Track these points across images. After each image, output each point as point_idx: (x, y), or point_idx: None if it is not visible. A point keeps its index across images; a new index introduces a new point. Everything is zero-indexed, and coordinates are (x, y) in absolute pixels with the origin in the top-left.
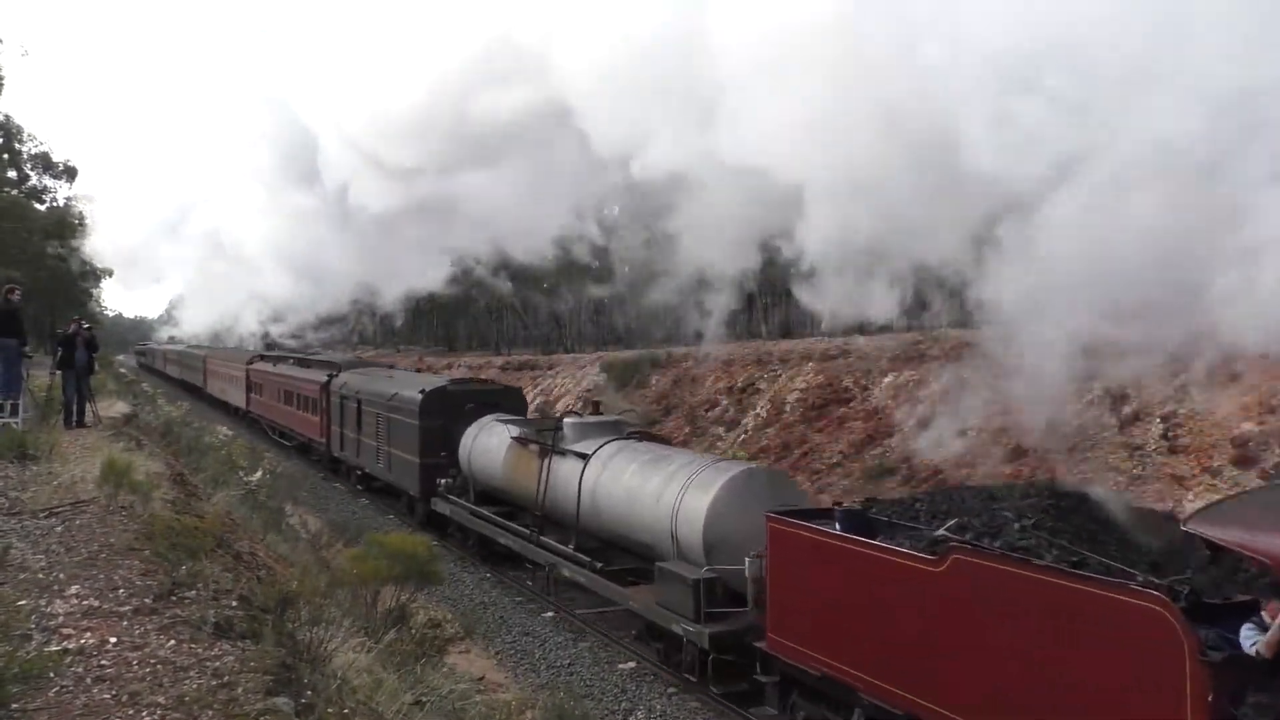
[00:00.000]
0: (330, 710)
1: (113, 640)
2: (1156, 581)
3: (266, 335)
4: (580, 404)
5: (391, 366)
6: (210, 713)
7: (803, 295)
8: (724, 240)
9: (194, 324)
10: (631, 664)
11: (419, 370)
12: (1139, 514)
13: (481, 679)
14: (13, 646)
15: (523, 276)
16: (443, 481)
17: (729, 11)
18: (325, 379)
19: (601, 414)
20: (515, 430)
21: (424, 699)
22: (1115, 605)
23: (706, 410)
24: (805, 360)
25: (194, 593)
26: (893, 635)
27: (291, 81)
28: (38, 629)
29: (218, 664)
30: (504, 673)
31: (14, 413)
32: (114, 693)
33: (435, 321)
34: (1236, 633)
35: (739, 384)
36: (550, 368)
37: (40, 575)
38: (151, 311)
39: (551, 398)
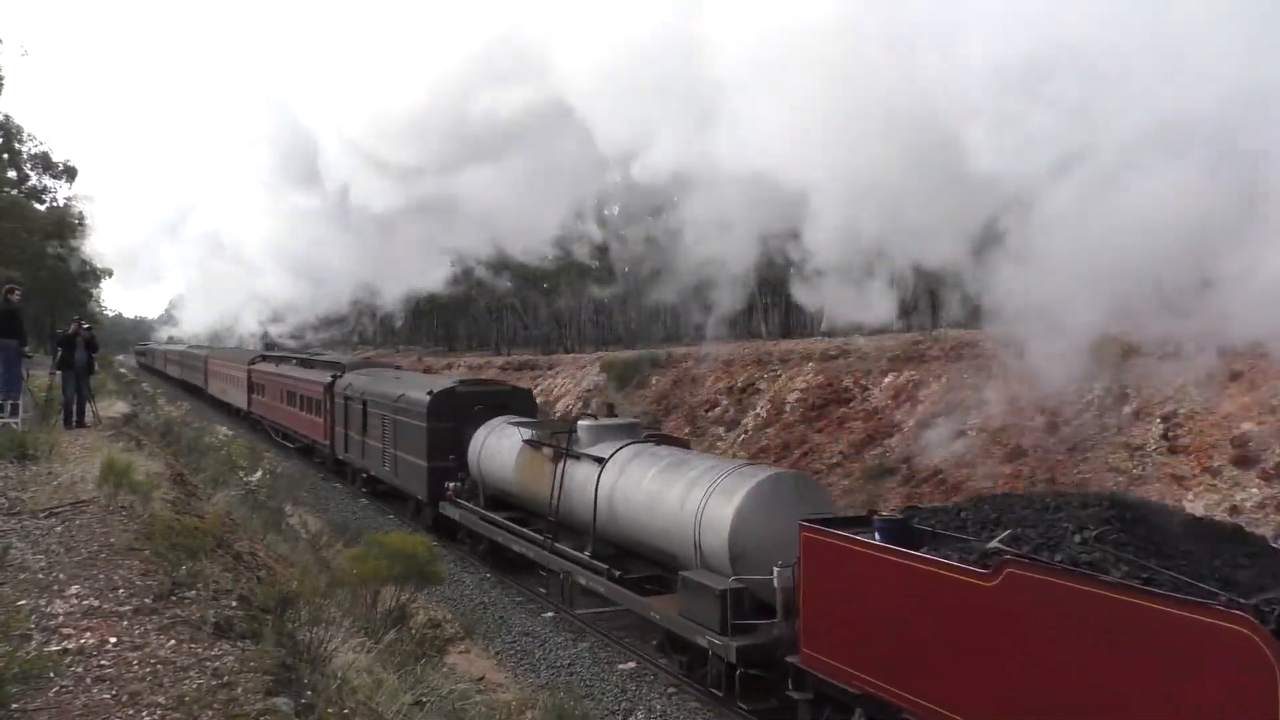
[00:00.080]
0: (330, 710)
1: (113, 640)
2: (1242, 601)
3: (266, 335)
4: (580, 404)
5: (397, 367)
6: (210, 713)
7: (802, 295)
8: (725, 240)
9: (194, 324)
10: (631, 664)
11: (425, 370)
12: (1205, 526)
13: (481, 679)
14: (13, 646)
15: (522, 275)
16: (451, 485)
17: (729, 13)
18: (329, 380)
19: (616, 416)
20: (527, 433)
21: (424, 699)
22: (1196, 626)
23: (706, 410)
24: (805, 360)
25: (194, 593)
26: (940, 653)
27: (291, 82)
28: (38, 629)
29: (218, 664)
30: (504, 673)
31: (14, 413)
32: (114, 693)
33: (435, 321)
34: None
35: (739, 384)
36: (550, 368)
37: (40, 575)
38: (151, 311)
39: (551, 398)
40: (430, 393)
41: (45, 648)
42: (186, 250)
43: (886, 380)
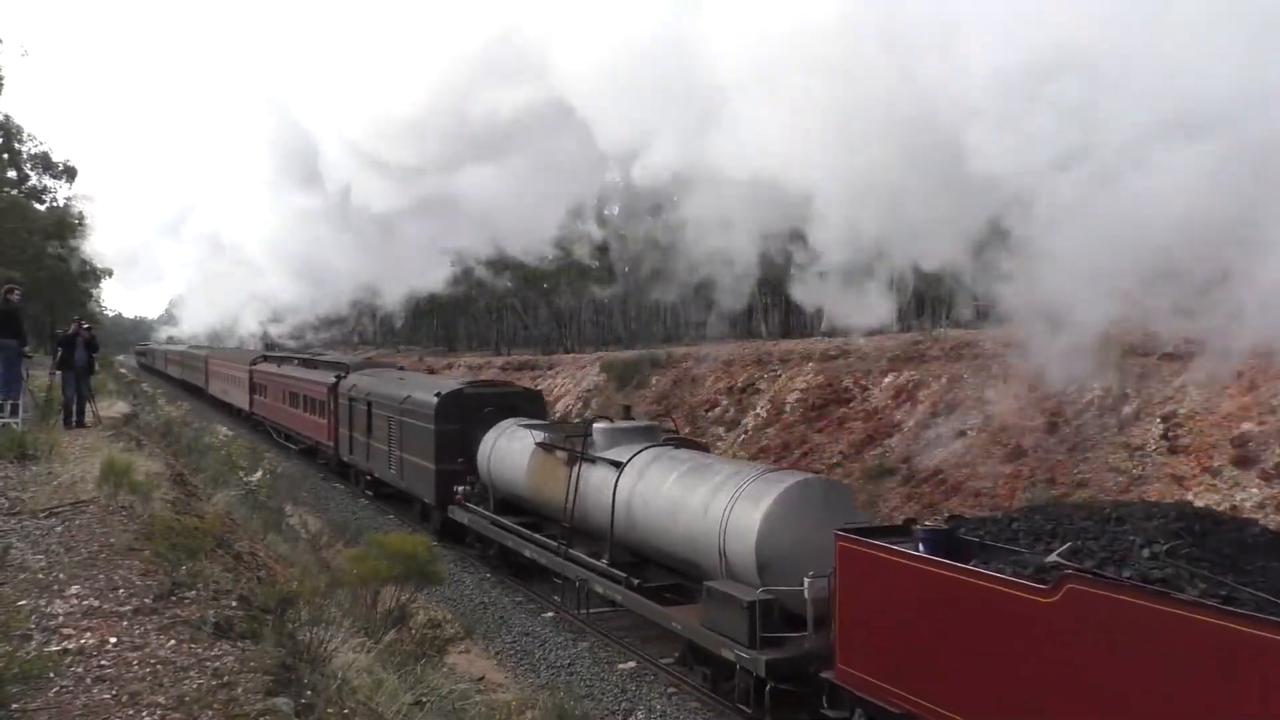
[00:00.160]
0: (330, 710)
1: (113, 640)
2: None
3: (266, 335)
4: (581, 404)
5: (401, 368)
6: (210, 713)
7: (801, 296)
8: (726, 240)
9: (194, 324)
10: (631, 664)
11: (429, 371)
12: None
13: (481, 679)
14: (13, 646)
15: (522, 275)
16: (460, 489)
17: (730, 14)
18: (333, 380)
19: (633, 418)
20: (540, 435)
21: (424, 699)
22: None
23: (706, 410)
24: (805, 360)
25: (194, 593)
26: (991, 672)
27: (291, 83)
28: (38, 629)
29: (218, 664)
30: (504, 673)
31: (14, 413)
32: (114, 693)
33: (435, 322)
34: None
35: (739, 384)
36: (550, 368)
37: (40, 575)
38: (151, 311)
39: (551, 398)
40: (438, 394)
41: (45, 648)
42: (187, 250)
43: (886, 380)
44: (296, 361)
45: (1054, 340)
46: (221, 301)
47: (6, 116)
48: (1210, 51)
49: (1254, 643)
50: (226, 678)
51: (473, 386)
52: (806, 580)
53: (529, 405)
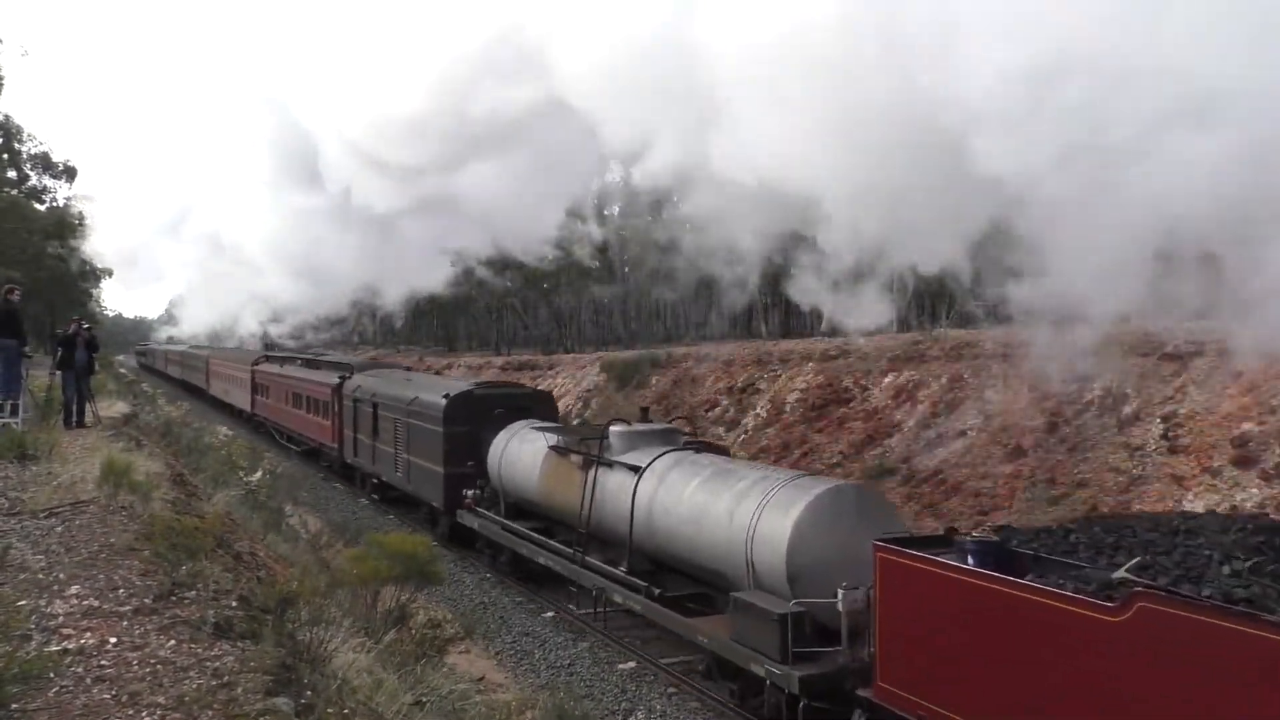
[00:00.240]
0: (330, 710)
1: (113, 640)
2: None
3: (265, 335)
4: (581, 404)
5: (407, 368)
6: (210, 713)
7: (799, 296)
8: (727, 242)
9: (194, 324)
10: (631, 664)
11: (436, 372)
12: None
13: (481, 679)
14: (13, 646)
15: (523, 275)
16: (470, 493)
17: (731, 16)
18: (337, 381)
19: (651, 421)
20: (553, 438)
21: (424, 699)
22: None
23: (706, 410)
24: (805, 360)
25: (194, 593)
26: (1048, 695)
27: (292, 83)
28: (38, 629)
29: (218, 664)
30: (504, 673)
31: (14, 413)
32: (114, 693)
33: (435, 321)
34: None
35: (739, 384)
36: (550, 368)
37: (40, 575)
38: (151, 311)
39: None
40: (446, 395)
41: (45, 648)
42: (187, 250)
43: (886, 380)
44: (299, 362)
45: (1060, 339)
46: (221, 301)
47: (6, 116)
48: (1213, 47)
49: None
50: (226, 678)
51: (482, 388)
52: (840, 592)
53: (540, 407)
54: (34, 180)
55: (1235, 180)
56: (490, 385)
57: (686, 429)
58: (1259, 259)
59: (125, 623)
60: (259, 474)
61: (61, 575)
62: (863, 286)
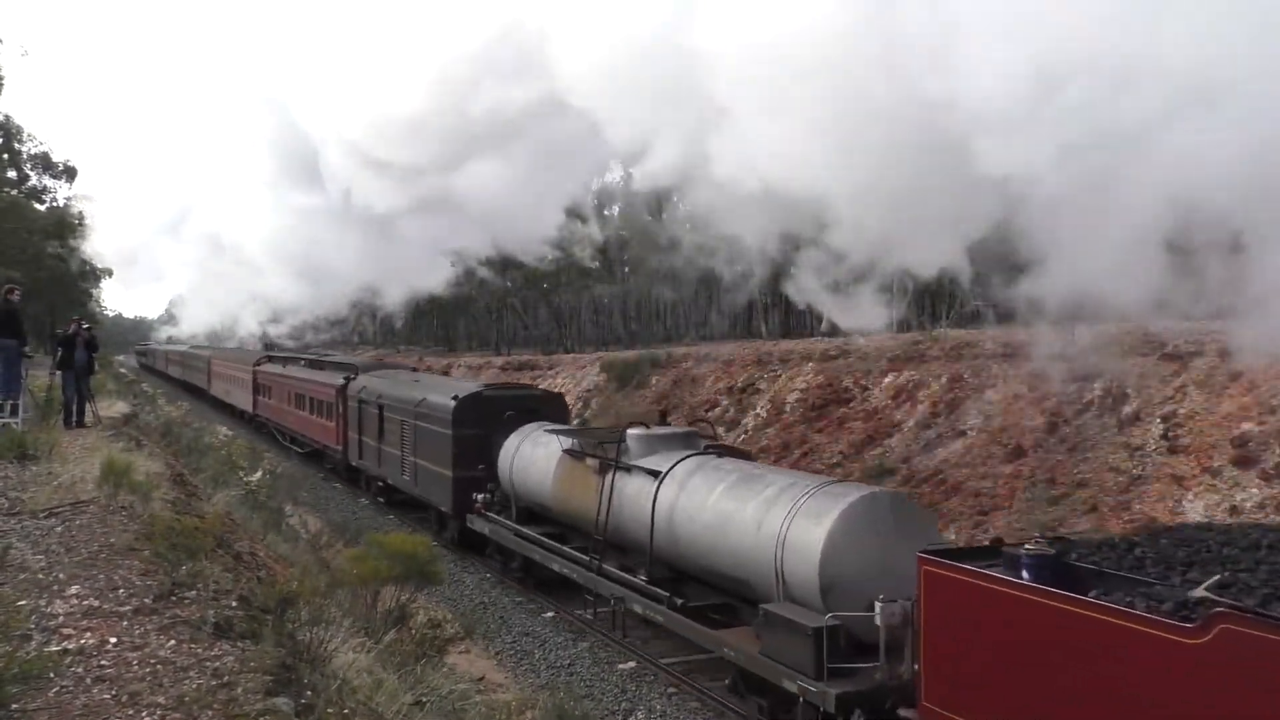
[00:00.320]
0: (330, 710)
1: (113, 640)
2: None
3: (265, 335)
4: (581, 404)
5: (414, 369)
6: (210, 713)
7: (799, 298)
8: (727, 242)
9: (194, 324)
10: (631, 664)
11: (444, 372)
12: None
13: (481, 679)
14: (13, 646)
15: (522, 274)
16: (480, 497)
17: (731, 18)
18: (342, 382)
19: (669, 424)
20: (567, 441)
21: (424, 699)
22: None
23: (706, 410)
24: (805, 360)
25: (194, 593)
26: None
27: (292, 83)
28: (38, 629)
29: (218, 664)
30: (504, 673)
31: (14, 413)
32: (114, 693)
33: (435, 322)
34: None
35: (739, 384)
36: (550, 368)
37: (40, 575)
38: (151, 311)
39: None
40: (455, 397)
41: (45, 648)
42: (187, 250)
43: (886, 380)
44: (303, 362)
45: (1062, 337)
46: (222, 302)
47: (6, 116)
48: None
49: None
50: (226, 678)
51: (492, 389)
52: (878, 605)
53: (551, 409)
54: (34, 180)
55: (1238, 175)
56: (500, 387)
57: (708, 432)
58: (1261, 258)
59: (125, 623)
60: (259, 474)
61: (61, 575)
62: (862, 288)
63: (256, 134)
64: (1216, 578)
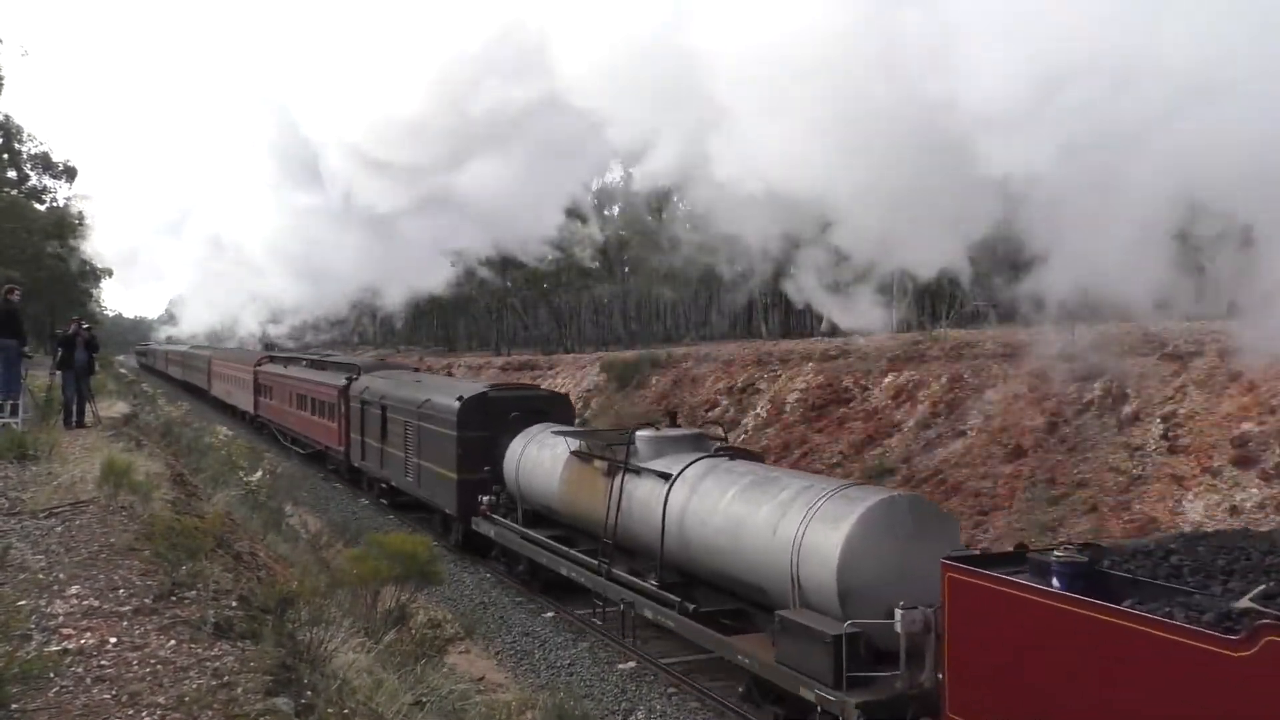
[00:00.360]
0: (330, 710)
1: (113, 640)
2: None
3: (265, 335)
4: (581, 404)
5: (417, 369)
6: (210, 713)
7: (798, 297)
8: (728, 241)
9: (194, 324)
10: (631, 664)
11: (448, 373)
12: None
13: (481, 679)
14: (13, 646)
15: (522, 274)
16: (485, 499)
17: (732, 19)
18: (344, 382)
19: (679, 425)
20: (574, 443)
21: (424, 699)
22: None
23: (706, 410)
24: (805, 360)
25: (194, 593)
26: None
27: (292, 83)
28: (38, 629)
29: (218, 664)
30: (504, 673)
31: (14, 413)
32: (114, 693)
33: (435, 322)
34: None
35: (739, 384)
36: (550, 368)
37: (40, 575)
38: (151, 311)
39: None
40: (460, 398)
41: (45, 648)
42: (187, 250)
43: (886, 380)
44: (304, 363)
45: (1064, 337)
46: (222, 302)
47: (6, 116)
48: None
49: None
50: (226, 678)
51: (497, 389)
52: (899, 612)
53: (557, 410)
54: (34, 180)
55: (1241, 174)
56: (506, 387)
57: (719, 433)
58: (1265, 256)
59: (125, 623)
60: (259, 474)
61: (61, 575)
62: (863, 289)
63: (257, 134)
64: (1262, 587)
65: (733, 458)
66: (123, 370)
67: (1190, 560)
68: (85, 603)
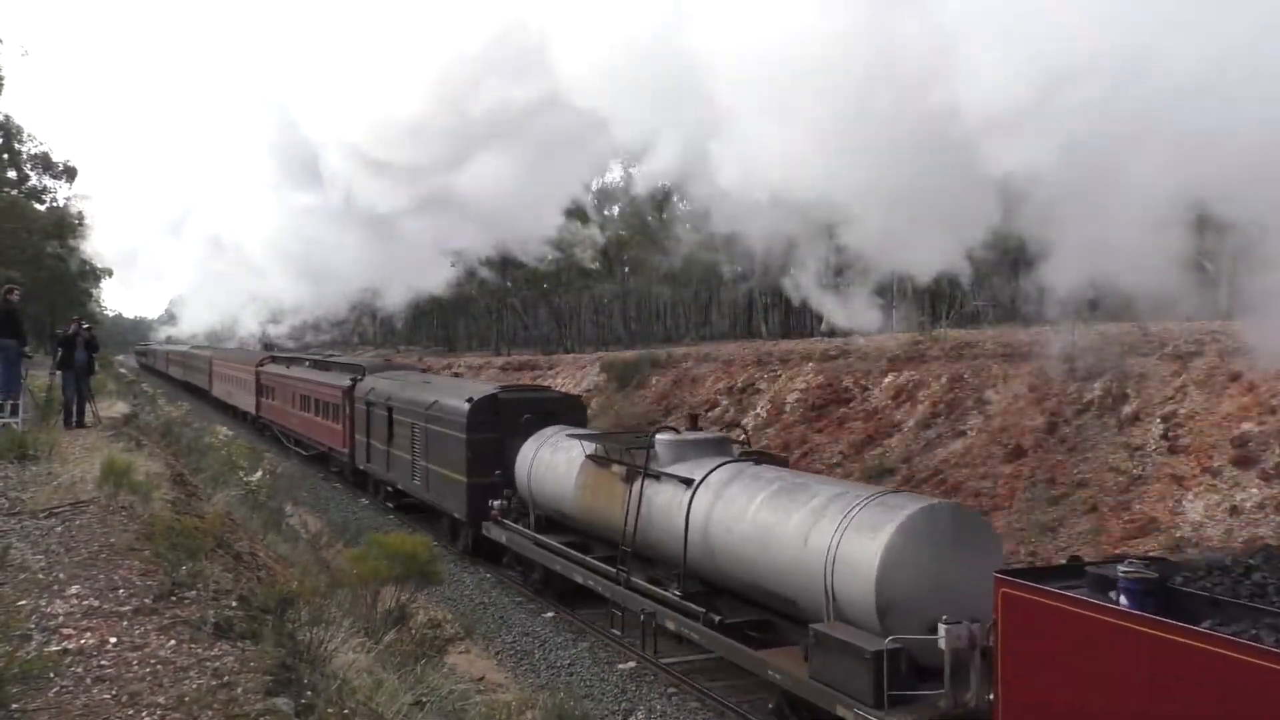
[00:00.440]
0: (330, 710)
1: (113, 640)
2: None
3: (265, 335)
4: None
5: (423, 370)
6: (210, 713)
7: (798, 297)
8: (728, 240)
9: (193, 324)
10: (631, 664)
11: (454, 374)
12: None
13: (481, 679)
14: (13, 646)
15: (522, 274)
16: (496, 504)
17: (732, 20)
18: (349, 383)
19: (700, 428)
20: (590, 447)
21: (424, 699)
22: None
23: (707, 410)
24: (805, 360)
25: (194, 593)
26: None
27: (292, 83)
28: (38, 629)
29: (218, 664)
30: (504, 673)
31: (14, 413)
32: (114, 693)
33: (435, 322)
34: None
35: (739, 384)
36: (550, 368)
37: (40, 575)
38: (151, 311)
39: None
40: (470, 400)
41: (45, 648)
42: (187, 250)
43: (886, 380)
44: (308, 363)
45: (1063, 338)
46: (222, 302)
47: (6, 116)
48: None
49: None
50: (226, 678)
51: (508, 391)
52: (942, 627)
53: (569, 412)
54: (34, 180)
55: (1242, 173)
56: (516, 389)
57: (741, 438)
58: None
59: (125, 623)
60: (259, 474)
61: (61, 575)
62: (862, 290)
63: (257, 134)
64: None
65: (758, 462)
66: (123, 370)
67: (1275, 578)
68: (85, 603)
